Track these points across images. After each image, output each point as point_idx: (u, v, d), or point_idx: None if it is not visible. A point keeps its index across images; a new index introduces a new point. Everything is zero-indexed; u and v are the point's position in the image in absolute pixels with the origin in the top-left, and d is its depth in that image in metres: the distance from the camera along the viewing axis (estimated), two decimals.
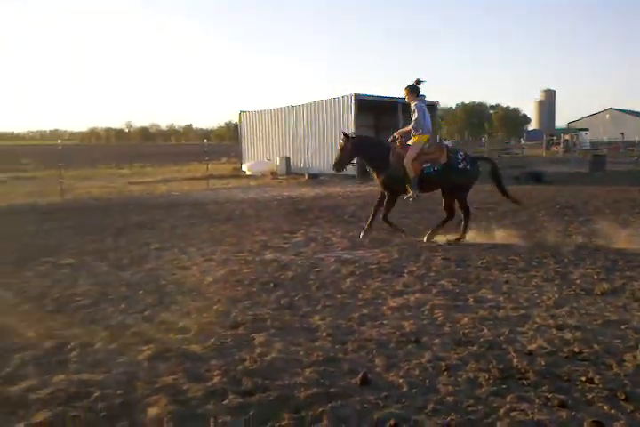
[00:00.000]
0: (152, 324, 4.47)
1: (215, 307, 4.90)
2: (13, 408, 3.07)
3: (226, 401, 3.08)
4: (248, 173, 25.04)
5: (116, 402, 3.10)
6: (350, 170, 22.91)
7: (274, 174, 23.59)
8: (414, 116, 7.79)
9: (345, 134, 8.19)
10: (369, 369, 3.45)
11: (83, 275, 6.28)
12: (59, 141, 21.57)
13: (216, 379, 3.37)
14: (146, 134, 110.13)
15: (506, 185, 8.18)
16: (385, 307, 4.80)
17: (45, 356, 3.84)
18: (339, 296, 5.17)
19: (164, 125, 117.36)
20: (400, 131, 8.17)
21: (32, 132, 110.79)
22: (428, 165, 7.69)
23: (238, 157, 28.96)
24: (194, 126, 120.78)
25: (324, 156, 24.04)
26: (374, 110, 26.57)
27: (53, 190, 16.61)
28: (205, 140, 29.15)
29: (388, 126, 25.42)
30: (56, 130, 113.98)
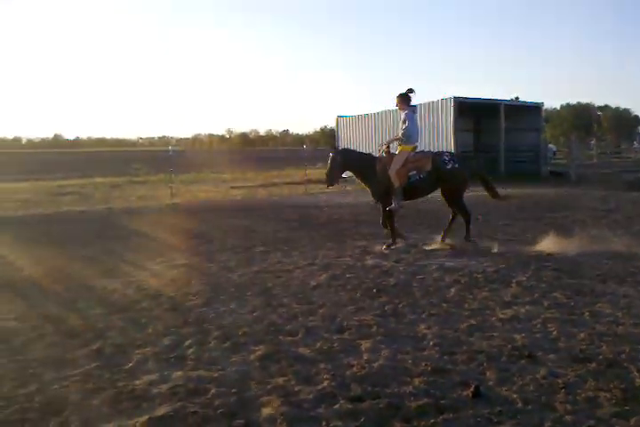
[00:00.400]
0: (261, 325, 4.61)
1: (320, 311, 4.97)
2: (138, 401, 3.27)
3: (336, 406, 3.11)
4: (344, 177, 25.17)
5: (231, 400, 3.22)
6: None
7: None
8: (404, 126, 7.90)
9: (334, 147, 8.37)
10: (480, 382, 3.36)
11: (195, 275, 6.60)
12: (170, 148, 22.77)
13: (325, 383, 3.41)
14: (245, 140, 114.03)
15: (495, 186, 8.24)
16: (494, 318, 4.66)
17: (164, 352, 4.07)
18: (444, 305, 5.07)
19: (262, 131, 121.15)
20: (389, 140, 8.31)
21: (142, 138, 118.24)
22: (414, 173, 7.79)
23: None
24: (290, 131, 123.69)
25: None
26: (475, 113, 25.87)
27: (164, 194, 17.57)
28: (305, 146, 29.68)
29: (491, 129, 24.71)
30: (164, 136, 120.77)
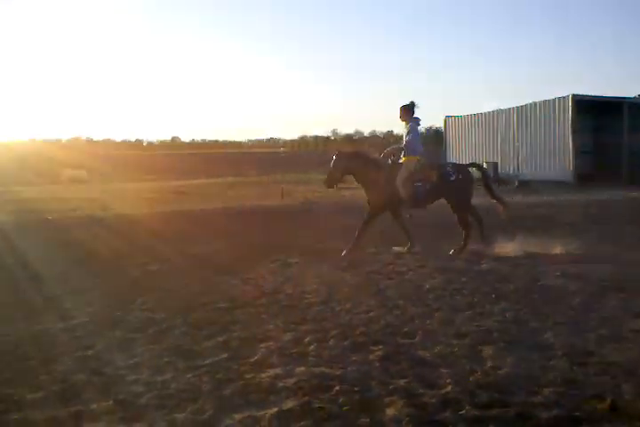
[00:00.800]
0: (378, 326, 4.64)
1: (437, 314, 4.92)
2: (266, 394, 3.40)
3: (462, 411, 3.06)
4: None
5: (355, 398, 3.27)
6: (567, 175, 21.36)
7: (480, 181, 22.85)
8: (407, 138, 7.96)
9: (338, 151, 8.37)
10: (616, 396, 3.17)
11: (309, 274, 6.75)
12: (281, 149, 23.54)
13: (449, 387, 3.37)
14: (350, 141, 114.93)
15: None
16: (626, 329, 4.37)
17: (286, 348, 4.20)
18: (570, 313, 4.83)
19: (366, 132, 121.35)
20: (391, 149, 8.27)
21: (251, 140, 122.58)
22: (420, 184, 7.84)
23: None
24: (394, 132, 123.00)
25: (535, 161, 22.78)
26: (594, 112, 24.37)
27: (275, 194, 18.15)
28: None
29: (612, 129, 23.16)
30: (271, 138, 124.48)
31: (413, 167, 7.90)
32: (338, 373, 3.66)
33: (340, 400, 3.25)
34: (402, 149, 8.10)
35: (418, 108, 8.06)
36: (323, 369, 3.73)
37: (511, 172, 23.45)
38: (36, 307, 5.62)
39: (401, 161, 8.07)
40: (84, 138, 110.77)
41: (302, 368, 3.76)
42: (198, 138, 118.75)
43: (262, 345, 4.25)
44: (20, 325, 4.97)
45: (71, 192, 20.96)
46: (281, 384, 3.51)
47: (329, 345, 4.21)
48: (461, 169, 8.26)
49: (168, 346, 4.34)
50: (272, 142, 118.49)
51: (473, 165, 8.87)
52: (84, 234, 11.06)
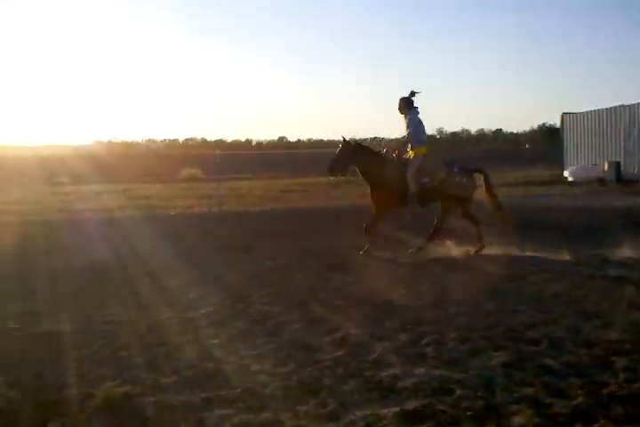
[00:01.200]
0: (498, 330, 4.49)
1: (562, 321, 4.68)
2: (386, 392, 3.40)
3: (596, 425, 2.90)
4: (570, 179, 23.26)
5: (479, 404, 3.18)
6: None
7: (601, 181, 21.50)
8: (410, 129, 7.89)
9: (344, 139, 8.05)
10: None
11: (421, 274, 6.71)
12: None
13: (580, 399, 3.20)
14: (456, 140, 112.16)
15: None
16: None
17: (403, 347, 4.18)
18: None
19: (473, 130, 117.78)
20: (392, 144, 8.29)
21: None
22: (427, 180, 7.78)
23: (554, 161, 27.17)
24: (503, 130, 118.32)
25: None
26: None
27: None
28: (527, 146, 28.20)
29: None
30: (375, 137, 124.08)
31: (421, 163, 7.88)
32: (458, 376, 3.58)
33: (464, 405, 3.18)
34: (406, 141, 8.00)
35: (419, 94, 7.98)
36: (442, 372, 3.67)
37: (635, 171, 21.80)
38: (163, 296, 5.99)
39: (408, 155, 7.99)
40: (198, 138, 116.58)
41: (422, 369, 3.72)
42: (304, 137, 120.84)
43: (380, 344, 4.25)
44: (151, 313, 5.32)
45: (190, 190, 22.13)
46: (400, 384, 3.50)
47: (448, 348, 4.14)
48: (467, 171, 8.18)
49: (287, 339, 4.47)
50: (376, 142, 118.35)
51: (478, 170, 8.57)
52: (205, 229, 11.69)
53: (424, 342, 4.28)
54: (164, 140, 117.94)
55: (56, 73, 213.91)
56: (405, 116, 8.05)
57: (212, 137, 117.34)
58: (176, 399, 3.36)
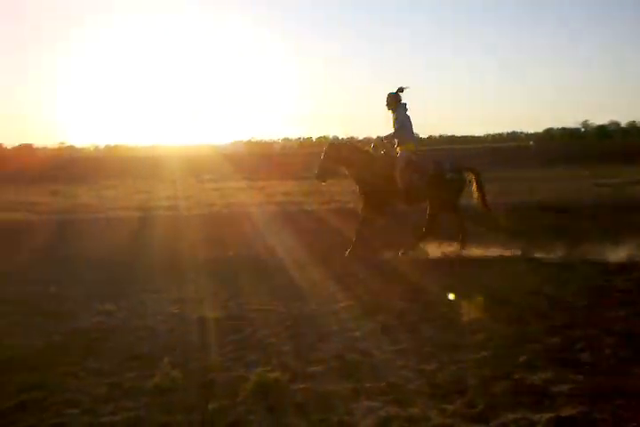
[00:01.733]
0: None
1: None
2: (538, 397, 3.25)
3: None
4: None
5: None
6: None
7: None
8: (397, 125, 7.74)
9: (330, 142, 8.12)
10: None
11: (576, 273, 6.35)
12: (531, 143, 22.25)
13: None
14: (603, 133, 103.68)
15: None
16: None
17: (554, 351, 3.97)
18: None
19: (624, 123, 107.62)
20: (380, 140, 7.90)
21: (491, 135, 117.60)
22: (416, 176, 7.56)
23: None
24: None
25: None
26: None
27: (519, 190, 17.30)
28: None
29: None
30: (513, 132, 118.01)
31: (409, 159, 7.69)
32: (617, 384, 3.34)
33: (624, 415, 2.96)
34: (393, 137, 7.82)
35: (407, 89, 7.86)
36: (601, 379, 3.44)
37: None
38: (303, 289, 6.16)
39: (396, 151, 7.80)
40: (330, 137, 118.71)
41: (579, 376, 3.51)
42: (436, 133, 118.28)
43: (529, 346, 4.08)
44: (295, 304, 5.51)
45: (324, 186, 22.43)
46: (554, 389, 3.34)
47: (605, 355, 3.86)
48: (459, 169, 7.95)
49: (427, 336, 4.43)
50: (513, 136, 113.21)
51: (470, 169, 8.06)
52: (336, 224, 11.83)
53: (577, 346, 4.03)
54: (299, 138, 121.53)
55: (199, 80, 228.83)
56: (393, 112, 7.93)
57: (343, 135, 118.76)
58: (324, 388, 3.47)
